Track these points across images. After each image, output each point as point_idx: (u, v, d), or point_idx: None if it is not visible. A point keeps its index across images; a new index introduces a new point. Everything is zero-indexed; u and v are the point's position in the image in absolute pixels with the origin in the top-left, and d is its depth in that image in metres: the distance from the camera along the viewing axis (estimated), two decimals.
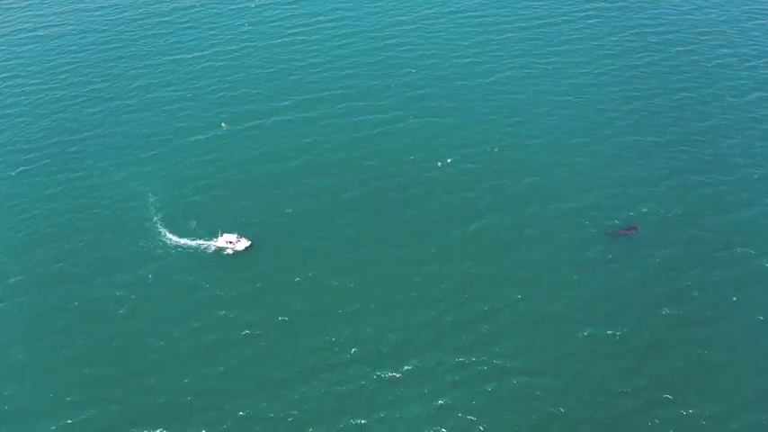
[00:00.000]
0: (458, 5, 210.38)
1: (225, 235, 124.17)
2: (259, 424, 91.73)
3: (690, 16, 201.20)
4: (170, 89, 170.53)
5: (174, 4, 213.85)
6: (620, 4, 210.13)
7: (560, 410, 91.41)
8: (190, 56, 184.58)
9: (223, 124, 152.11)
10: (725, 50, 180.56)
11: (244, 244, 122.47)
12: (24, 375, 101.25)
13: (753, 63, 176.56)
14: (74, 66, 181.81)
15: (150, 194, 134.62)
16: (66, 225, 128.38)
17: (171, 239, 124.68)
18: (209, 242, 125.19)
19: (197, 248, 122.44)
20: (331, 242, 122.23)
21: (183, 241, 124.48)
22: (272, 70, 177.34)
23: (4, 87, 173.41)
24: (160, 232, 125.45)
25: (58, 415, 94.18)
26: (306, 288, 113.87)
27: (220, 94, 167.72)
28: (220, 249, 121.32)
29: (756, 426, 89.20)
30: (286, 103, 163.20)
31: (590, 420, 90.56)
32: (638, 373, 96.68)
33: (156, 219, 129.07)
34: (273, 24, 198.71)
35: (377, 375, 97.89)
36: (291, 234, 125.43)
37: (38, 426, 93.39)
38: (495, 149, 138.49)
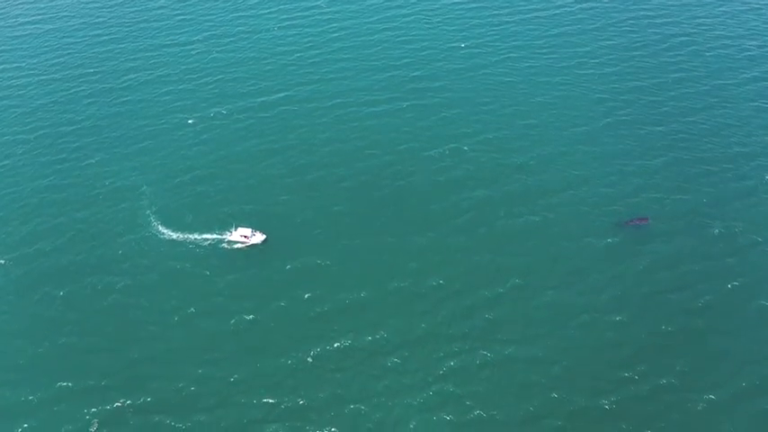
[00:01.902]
0: None
1: (239, 229, 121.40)
2: (255, 409, 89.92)
3: (688, 4, 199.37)
4: (165, 78, 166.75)
5: None
6: None
7: (560, 396, 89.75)
8: (185, 44, 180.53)
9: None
10: (723, 39, 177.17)
11: (259, 238, 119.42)
12: (18, 361, 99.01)
13: (752, 51, 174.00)
14: (67, 54, 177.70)
15: (144, 183, 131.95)
16: (58, 213, 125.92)
17: (165, 226, 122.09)
18: (206, 233, 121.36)
19: (192, 236, 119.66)
20: (327, 229, 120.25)
21: (177, 234, 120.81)
22: (267, 59, 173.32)
23: None
24: (154, 220, 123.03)
25: (50, 399, 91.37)
26: (302, 274, 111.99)
27: (216, 81, 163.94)
28: (235, 243, 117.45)
29: (757, 411, 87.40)
30: (281, 91, 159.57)
31: (590, 406, 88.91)
32: (639, 359, 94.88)
33: (150, 207, 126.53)
34: (268, 14, 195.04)
35: (374, 361, 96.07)
36: (287, 221, 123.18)
37: (31, 409, 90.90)
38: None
